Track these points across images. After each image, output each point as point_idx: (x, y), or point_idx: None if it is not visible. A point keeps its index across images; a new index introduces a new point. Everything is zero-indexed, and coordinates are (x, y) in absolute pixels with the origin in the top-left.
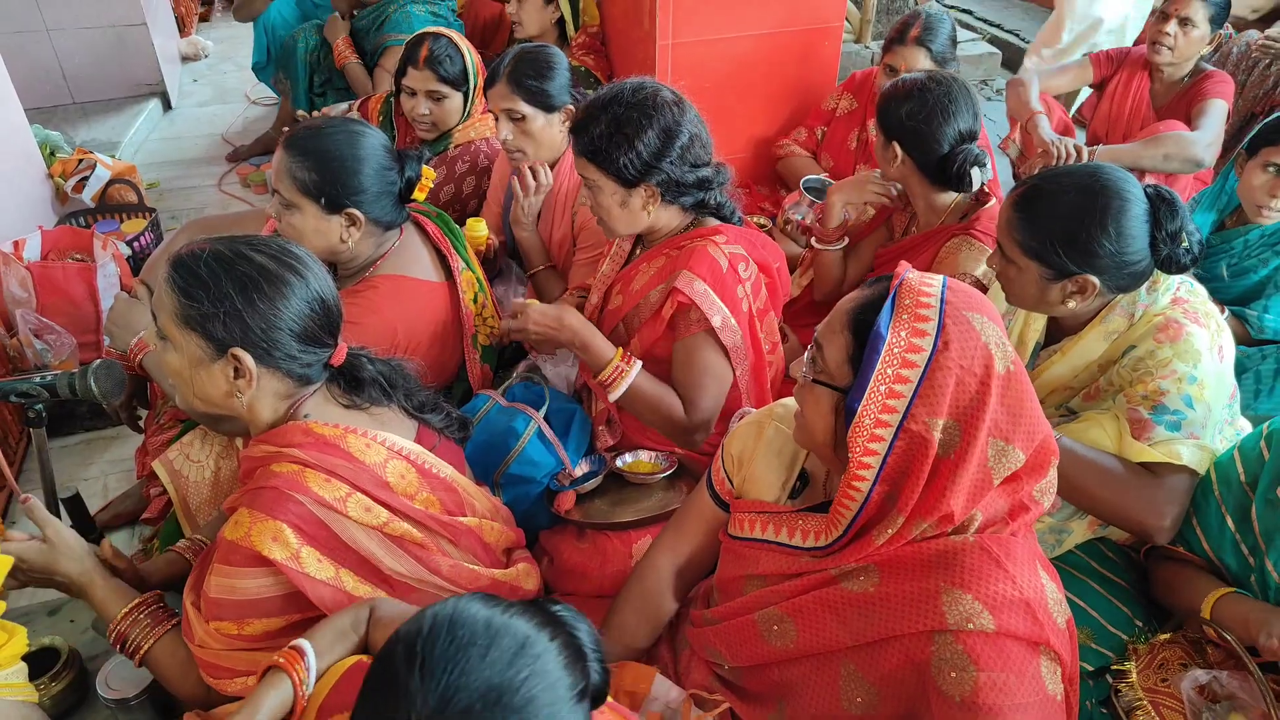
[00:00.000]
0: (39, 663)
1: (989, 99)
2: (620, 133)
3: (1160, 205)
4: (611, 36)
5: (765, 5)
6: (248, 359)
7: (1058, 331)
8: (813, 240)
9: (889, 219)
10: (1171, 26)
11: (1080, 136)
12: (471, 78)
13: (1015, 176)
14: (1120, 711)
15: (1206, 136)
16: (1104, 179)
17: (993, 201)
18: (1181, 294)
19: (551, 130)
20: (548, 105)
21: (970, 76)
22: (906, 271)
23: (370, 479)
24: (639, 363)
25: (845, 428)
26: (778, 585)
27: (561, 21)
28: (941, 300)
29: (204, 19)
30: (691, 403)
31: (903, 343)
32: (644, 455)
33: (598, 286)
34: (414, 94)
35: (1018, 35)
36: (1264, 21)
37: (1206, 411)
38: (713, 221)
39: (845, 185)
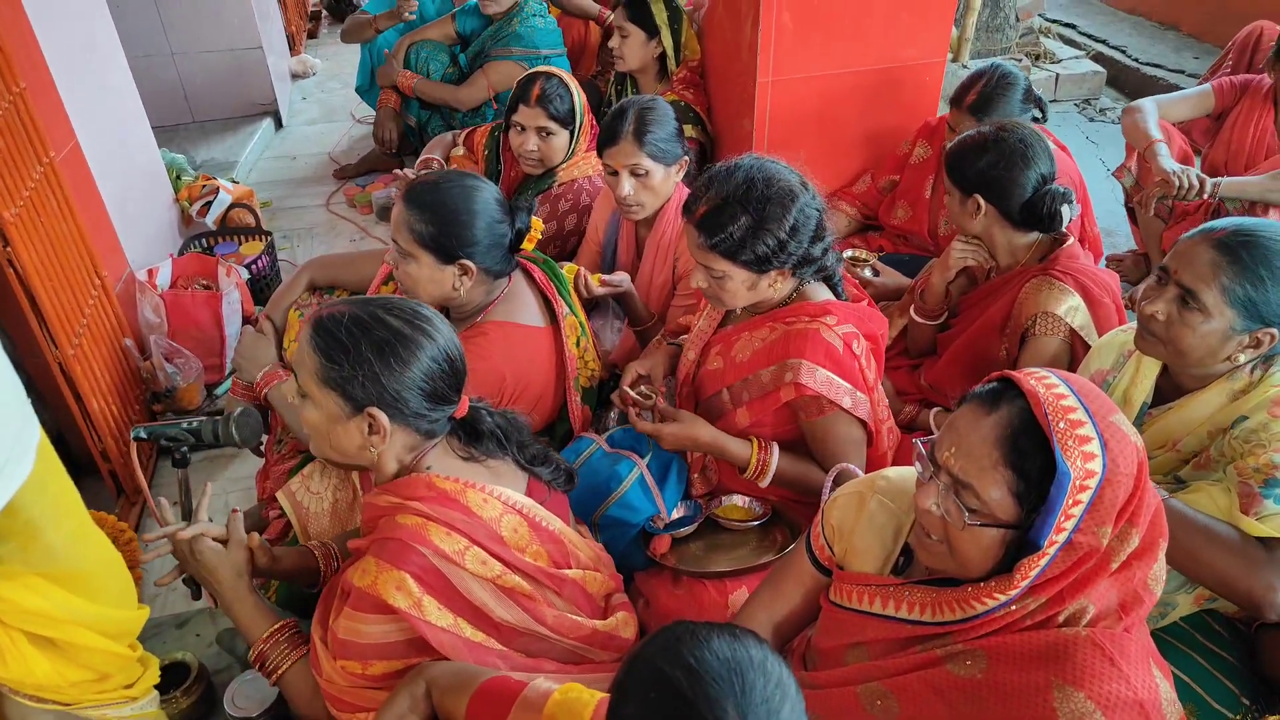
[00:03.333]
0: (170, 676)
1: (1091, 120)
2: (763, 228)
3: None
4: (710, 72)
5: (867, 42)
6: (382, 417)
7: (1170, 391)
8: (912, 312)
9: (968, 266)
10: None
11: (1196, 164)
12: (579, 116)
13: (1127, 206)
14: None
15: None
16: None
17: (1071, 240)
18: None
19: (669, 182)
20: (668, 160)
21: (1073, 95)
22: (1037, 387)
23: (486, 533)
24: (775, 448)
25: (1012, 555)
26: (881, 660)
27: (663, 56)
28: (1089, 414)
29: (311, 35)
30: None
31: (1080, 472)
32: (738, 500)
33: (694, 343)
34: (524, 130)
35: (1123, 51)
36: None
37: None
38: (817, 287)
39: (939, 264)
